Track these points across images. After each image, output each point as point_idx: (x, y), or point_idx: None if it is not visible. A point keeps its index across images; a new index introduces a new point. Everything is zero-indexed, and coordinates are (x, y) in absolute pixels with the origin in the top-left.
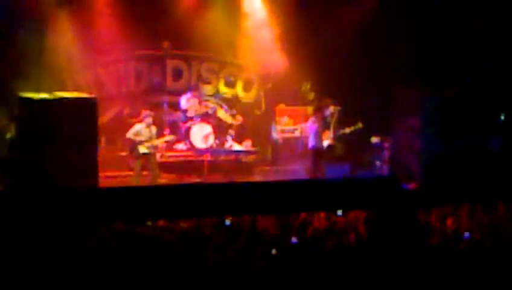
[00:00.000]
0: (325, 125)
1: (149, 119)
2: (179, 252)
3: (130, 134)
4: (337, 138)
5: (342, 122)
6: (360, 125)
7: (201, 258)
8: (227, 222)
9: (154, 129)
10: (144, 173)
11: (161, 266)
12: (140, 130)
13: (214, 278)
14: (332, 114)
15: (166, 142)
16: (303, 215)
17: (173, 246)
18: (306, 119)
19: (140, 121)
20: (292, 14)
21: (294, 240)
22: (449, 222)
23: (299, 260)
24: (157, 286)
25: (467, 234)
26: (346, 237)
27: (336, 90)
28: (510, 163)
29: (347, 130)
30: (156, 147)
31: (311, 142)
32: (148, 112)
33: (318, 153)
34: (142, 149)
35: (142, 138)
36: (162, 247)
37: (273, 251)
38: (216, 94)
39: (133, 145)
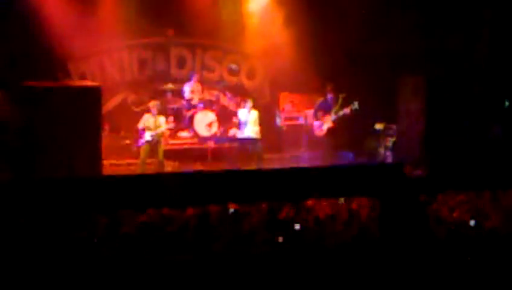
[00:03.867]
0: (327, 110)
1: (155, 110)
2: (182, 240)
3: (140, 124)
4: (337, 121)
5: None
6: (356, 105)
7: (205, 246)
8: (231, 209)
9: (161, 118)
10: (149, 160)
11: (165, 254)
12: (147, 120)
13: (218, 265)
14: (334, 98)
15: (168, 129)
16: (307, 202)
17: (177, 234)
18: (310, 106)
19: (148, 111)
20: (296, 1)
21: (297, 227)
22: (454, 208)
23: (303, 248)
24: (161, 273)
25: (472, 221)
26: (350, 224)
27: (340, 77)
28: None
29: (343, 111)
30: (159, 135)
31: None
32: (155, 102)
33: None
34: (147, 137)
35: (149, 127)
36: (166, 235)
37: (280, 239)
38: (220, 82)
39: (139, 133)
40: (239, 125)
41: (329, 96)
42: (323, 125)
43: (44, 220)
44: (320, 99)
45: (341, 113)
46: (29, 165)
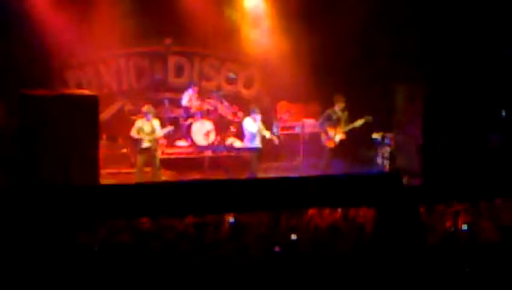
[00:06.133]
0: (335, 120)
1: (150, 115)
2: (180, 249)
3: (133, 132)
4: (348, 133)
5: (350, 118)
6: (369, 117)
7: (202, 255)
8: (231, 219)
9: (156, 123)
10: (146, 169)
11: (162, 263)
12: (142, 125)
13: (214, 275)
14: (343, 109)
15: (165, 134)
16: (304, 212)
17: (174, 244)
18: (307, 116)
19: (141, 117)
20: (294, 10)
21: (294, 237)
22: (450, 218)
23: (300, 258)
24: (158, 282)
25: (465, 227)
26: (347, 234)
27: (338, 86)
28: (510, 159)
29: (357, 124)
30: (157, 141)
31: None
32: (149, 106)
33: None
34: (145, 144)
35: (145, 134)
36: (163, 244)
37: (276, 249)
38: (217, 91)
39: (136, 140)
40: (248, 137)
41: (338, 107)
42: (336, 137)
43: (42, 228)
44: (328, 111)
45: (353, 126)
46: (26, 173)
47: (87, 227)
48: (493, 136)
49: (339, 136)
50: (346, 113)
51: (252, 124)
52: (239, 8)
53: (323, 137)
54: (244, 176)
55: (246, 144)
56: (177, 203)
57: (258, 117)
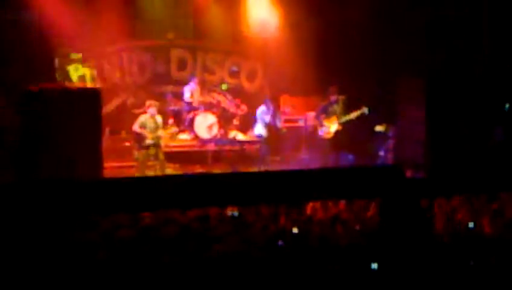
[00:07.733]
0: (330, 112)
1: (153, 110)
2: (182, 243)
3: (135, 126)
4: (343, 124)
5: (347, 110)
6: (364, 109)
7: (205, 249)
8: (235, 213)
9: (159, 119)
10: (149, 163)
11: (164, 257)
12: (145, 121)
13: (218, 269)
14: (337, 101)
15: (170, 134)
16: (307, 205)
17: (177, 237)
18: (311, 109)
19: (144, 112)
20: (296, 3)
21: (295, 230)
22: (453, 211)
23: (303, 251)
24: (160, 276)
25: (471, 224)
26: (350, 226)
27: (341, 79)
28: None
29: (352, 115)
30: (160, 138)
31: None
32: (152, 102)
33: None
34: (148, 140)
35: (148, 129)
36: (166, 238)
37: (280, 242)
38: (221, 84)
39: (139, 136)
40: (261, 125)
41: (332, 99)
42: (331, 128)
43: (44, 222)
44: (323, 103)
45: (350, 117)
46: (29, 167)
47: (89, 222)
48: (497, 129)
49: (334, 127)
50: (340, 104)
51: (266, 114)
52: (242, 1)
53: (319, 130)
54: (247, 168)
55: (258, 132)
56: (180, 197)
57: (271, 108)
